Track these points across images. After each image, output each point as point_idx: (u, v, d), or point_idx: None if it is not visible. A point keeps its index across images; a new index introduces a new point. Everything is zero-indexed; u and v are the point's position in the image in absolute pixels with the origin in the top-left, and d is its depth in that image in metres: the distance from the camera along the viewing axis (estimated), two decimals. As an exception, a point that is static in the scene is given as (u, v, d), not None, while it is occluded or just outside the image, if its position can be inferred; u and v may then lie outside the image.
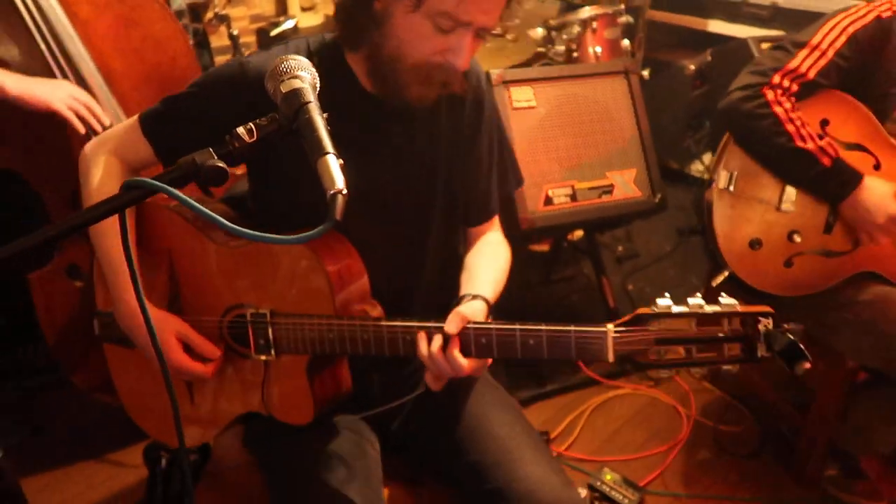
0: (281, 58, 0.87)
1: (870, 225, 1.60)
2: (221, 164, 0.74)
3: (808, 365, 0.91)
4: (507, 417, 1.26)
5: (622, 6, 2.78)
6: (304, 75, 0.85)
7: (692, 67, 3.20)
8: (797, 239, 1.67)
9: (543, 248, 2.74)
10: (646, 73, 3.00)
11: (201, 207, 0.67)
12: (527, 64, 2.60)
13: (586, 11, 2.70)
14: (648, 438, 2.13)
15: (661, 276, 2.87)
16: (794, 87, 1.60)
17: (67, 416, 2.16)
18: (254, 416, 1.23)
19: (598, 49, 2.71)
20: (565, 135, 2.11)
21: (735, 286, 1.78)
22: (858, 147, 1.64)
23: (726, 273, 1.71)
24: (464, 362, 1.06)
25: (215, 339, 1.21)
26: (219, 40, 3.25)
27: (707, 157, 3.25)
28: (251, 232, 0.66)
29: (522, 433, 1.23)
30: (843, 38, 1.61)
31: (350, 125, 1.07)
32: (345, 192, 0.73)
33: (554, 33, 2.75)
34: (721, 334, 0.96)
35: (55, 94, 1.65)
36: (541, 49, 2.76)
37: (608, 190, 2.14)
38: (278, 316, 1.14)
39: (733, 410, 2.22)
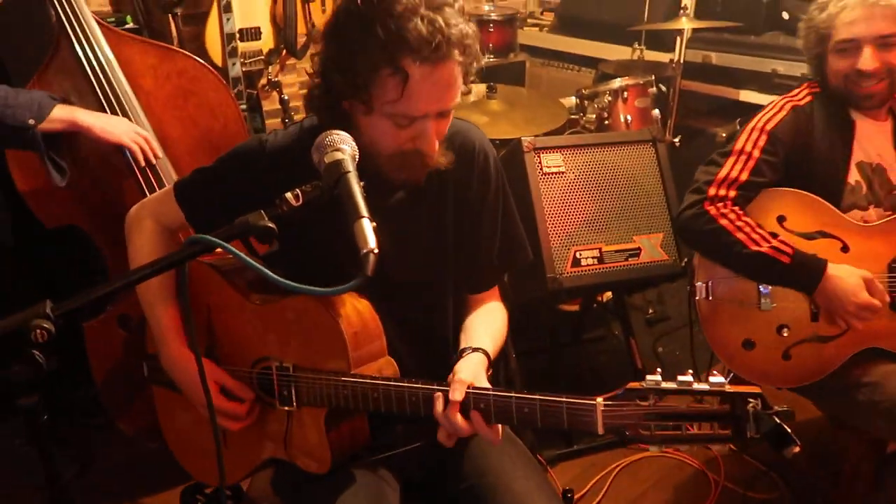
0: (326, 132, 0.98)
1: (842, 312, 1.60)
2: (271, 225, 0.84)
3: (796, 449, 0.93)
4: (523, 472, 1.30)
5: (652, 77, 2.90)
6: (346, 148, 0.96)
7: (723, 135, 3.27)
8: (785, 333, 1.68)
9: (574, 307, 2.79)
10: (677, 140, 3.10)
11: (252, 262, 0.77)
12: (559, 131, 2.70)
13: (617, 82, 2.83)
14: (675, 503, 2.12)
15: (690, 340, 2.88)
16: (732, 193, 1.65)
17: (115, 456, 2.26)
18: (281, 462, 1.30)
19: (629, 117, 2.83)
20: (593, 199, 2.19)
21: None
22: (821, 234, 1.67)
23: (731, 374, 1.72)
24: (462, 424, 1.11)
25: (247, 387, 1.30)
26: (270, 104, 3.47)
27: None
28: (294, 284, 0.75)
29: (537, 487, 1.27)
30: (763, 137, 1.68)
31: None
32: (376, 251, 0.81)
33: (586, 102, 2.88)
34: (710, 413, 0.97)
35: (119, 127, 1.81)
36: (573, 116, 2.89)
37: (635, 253, 2.20)
38: (300, 370, 1.22)
39: (763, 478, 2.20)
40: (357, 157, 0.97)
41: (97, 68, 1.86)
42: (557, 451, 2.27)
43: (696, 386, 0.99)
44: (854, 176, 1.72)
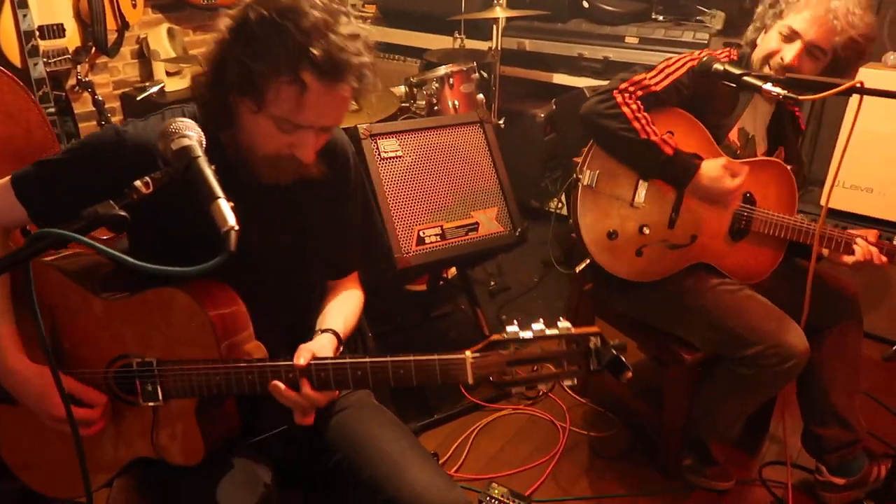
0: (170, 120, 0.98)
1: (720, 194, 1.85)
2: (123, 213, 0.83)
3: (629, 374, 1.08)
4: (392, 434, 1.38)
5: (474, 64, 3.07)
6: (192, 134, 0.97)
7: (542, 115, 3.56)
8: (646, 231, 1.92)
9: (421, 287, 2.90)
10: (501, 122, 3.32)
11: (112, 251, 0.76)
12: (392, 118, 2.80)
13: (443, 69, 2.96)
14: (531, 452, 2.30)
15: (530, 305, 3.12)
16: (639, 93, 1.85)
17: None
18: (145, 463, 1.27)
19: (457, 102, 2.98)
20: (431, 180, 2.31)
21: (594, 272, 2.02)
22: (696, 157, 1.89)
23: (587, 261, 1.92)
24: (318, 396, 1.17)
25: (99, 389, 1.25)
26: (83, 107, 3.23)
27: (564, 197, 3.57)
28: (156, 267, 0.76)
29: (407, 446, 1.35)
30: (682, 70, 1.88)
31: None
32: (237, 228, 0.84)
33: (415, 90, 2.99)
34: (561, 353, 1.12)
35: None
36: (404, 104, 2.99)
37: (474, 227, 2.35)
38: (165, 363, 1.20)
39: (603, 419, 2.45)
40: (204, 142, 0.98)
41: None
42: (420, 422, 2.37)
43: (547, 332, 1.12)
44: (733, 136, 1.97)
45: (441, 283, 2.94)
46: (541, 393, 2.57)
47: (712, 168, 1.85)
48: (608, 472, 2.23)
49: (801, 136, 2.18)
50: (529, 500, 2.07)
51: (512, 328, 1.13)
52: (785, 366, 1.78)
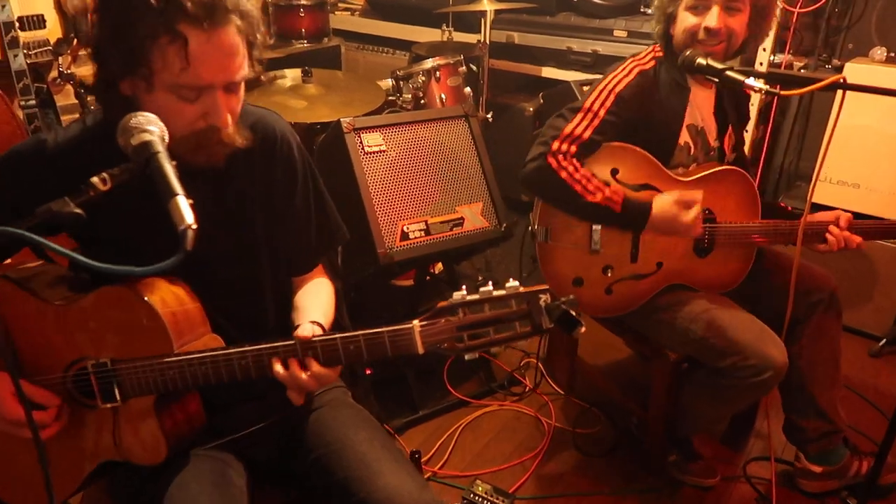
0: (130, 115, 0.95)
1: (680, 229, 1.82)
2: (79, 211, 0.81)
3: (582, 329, 1.04)
4: (366, 434, 1.35)
5: (462, 57, 3.05)
6: (153, 129, 0.94)
7: (531, 109, 3.53)
8: (610, 273, 1.92)
9: (408, 282, 2.88)
10: (489, 115, 3.29)
11: (66, 251, 0.74)
12: (378, 111, 2.76)
13: (430, 62, 2.93)
14: (515, 449, 2.29)
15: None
16: (573, 149, 1.81)
17: None
18: (113, 466, 1.25)
19: (444, 96, 2.95)
20: (415, 174, 2.28)
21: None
22: (646, 186, 1.88)
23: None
24: (304, 375, 1.14)
25: (60, 394, 1.22)
26: (65, 99, 3.19)
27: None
28: (110, 266, 0.74)
29: (380, 447, 1.33)
30: (611, 98, 1.84)
31: (153, 204, 1.00)
32: (194, 226, 0.82)
33: (402, 83, 2.96)
34: (511, 314, 1.06)
35: None
36: (391, 97, 2.96)
37: (459, 223, 2.33)
38: (119, 362, 1.17)
39: (588, 415, 2.44)
40: (166, 138, 0.95)
41: None
42: (404, 419, 2.36)
43: (495, 293, 1.07)
44: (685, 137, 1.93)
45: (428, 278, 2.92)
46: (526, 389, 2.56)
47: (665, 205, 1.82)
48: (592, 468, 2.22)
49: (744, 122, 2.14)
50: (513, 498, 2.06)
51: (458, 293, 1.08)
52: (762, 377, 1.76)
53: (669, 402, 2.08)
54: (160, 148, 0.91)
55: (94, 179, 0.87)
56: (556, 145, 1.82)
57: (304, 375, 1.15)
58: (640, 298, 1.94)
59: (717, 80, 1.70)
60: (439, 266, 2.96)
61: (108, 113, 1.16)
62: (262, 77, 2.79)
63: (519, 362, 2.69)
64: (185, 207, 0.84)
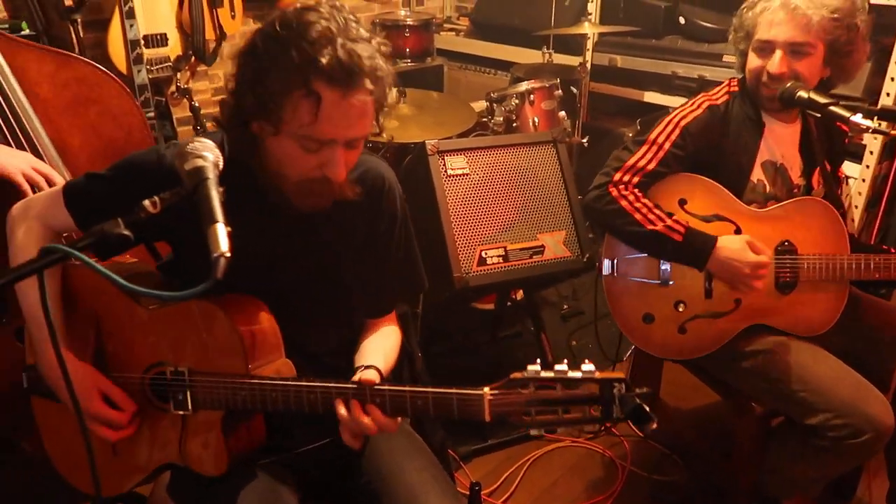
0: (190, 139, 0.99)
1: (739, 277, 1.71)
2: (126, 232, 0.85)
3: (654, 425, 1.02)
4: (417, 464, 1.35)
5: (558, 80, 3.00)
6: (208, 155, 0.98)
7: (630, 135, 3.42)
8: (682, 308, 1.80)
9: (488, 306, 2.85)
10: (585, 140, 3.21)
11: (100, 267, 0.77)
12: (468, 133, 2.77)
13: (524, 85, 2.91)
14: (585, 489, 2.20)
15: (604, 332, 2.97)
16: (636, 179, 1.75)
17: (14, 479, 2.17)
18: (177, 467, 1.30)
19: (536, 119, 2.92)
20: (497, 199, 2.26)
21: (646, 356, 1.91)
22: (717, 217, 1.77)
23: (633, 346, 1.83)
24: (365, 420, 1.14)
25: (136, 394, 1.29)
26: (181, 112, 3.42)
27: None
28: (137, 288, 0.76)
29: (431, 478, 1.32)
30: (676, 131, 1.77)
31: (250, 230, 1.07)
32: (228, 255, 0.83)
33: (495, 105, 2.95)
34: (582, 398, 1.06)
35: (11, 161, 1.75)
36: (483, 119, 2.96)
37: (539, 251, 2.28)
38: (196, 374, 1.22)
39: (667, 461, 2.31)
40: (220, 164, 0.99)
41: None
42: (472, 447, 2.32)
43: (569, 374, 1.07)
44: (757, 174, 1.82)
45: (510, 303, 2.88)
46: (602, 428, 2.45)
47: (732, 242, 1.71)
48: (667, 520, 2.09)
49: (840, 158, 1.96)
50: (577, 541, 1.98)
51: (533, 367, 1.08)
52: (860, 438, 1.59)
53: (756, 459, 1.92)
54: (211, 175, 0.94)
55: (146, 202, 0.91)
56: (618, 176, 1.77)
57: (365, 419, 1.15)
58: (719, 340, 1.80)
59: (818, 115, 1.56)
60: (521, 292, 2.91)
61: (233, 146, 1.22)
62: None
63: (597, 398, 2.58)
64: (222, 235, 0.86)
